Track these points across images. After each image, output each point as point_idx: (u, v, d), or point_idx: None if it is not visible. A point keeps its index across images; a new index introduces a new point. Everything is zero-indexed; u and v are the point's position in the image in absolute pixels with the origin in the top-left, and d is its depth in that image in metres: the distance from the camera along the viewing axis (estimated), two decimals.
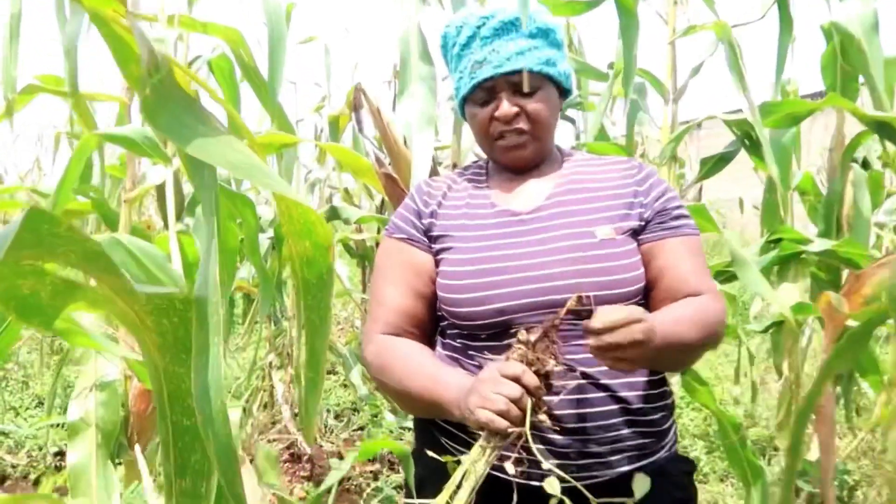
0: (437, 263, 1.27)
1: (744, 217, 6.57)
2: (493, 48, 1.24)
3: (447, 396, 1.09)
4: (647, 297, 1.22)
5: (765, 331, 2.06)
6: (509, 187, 1.31)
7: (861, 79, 2.30)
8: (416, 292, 1.26)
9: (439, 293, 1.24)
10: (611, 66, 2.39)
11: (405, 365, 1.19)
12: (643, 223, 1.23)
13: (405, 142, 1.75)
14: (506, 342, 1.15)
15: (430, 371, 1.16)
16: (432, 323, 1.30)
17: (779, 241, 2.15)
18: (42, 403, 4.01)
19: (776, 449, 3.44)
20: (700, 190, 2.42)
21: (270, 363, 3.28)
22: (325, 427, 3.69)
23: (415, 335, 1.26)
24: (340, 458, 3.28)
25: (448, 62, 1.36)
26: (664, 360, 1.14)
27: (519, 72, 1.23)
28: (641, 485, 1.11)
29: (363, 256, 4.49)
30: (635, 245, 1.21)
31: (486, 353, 1.18)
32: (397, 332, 1.25)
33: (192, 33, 1.93)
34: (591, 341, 1.00)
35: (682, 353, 1.16)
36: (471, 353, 1.20)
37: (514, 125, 1.25)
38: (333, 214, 2.19)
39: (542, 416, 1.00)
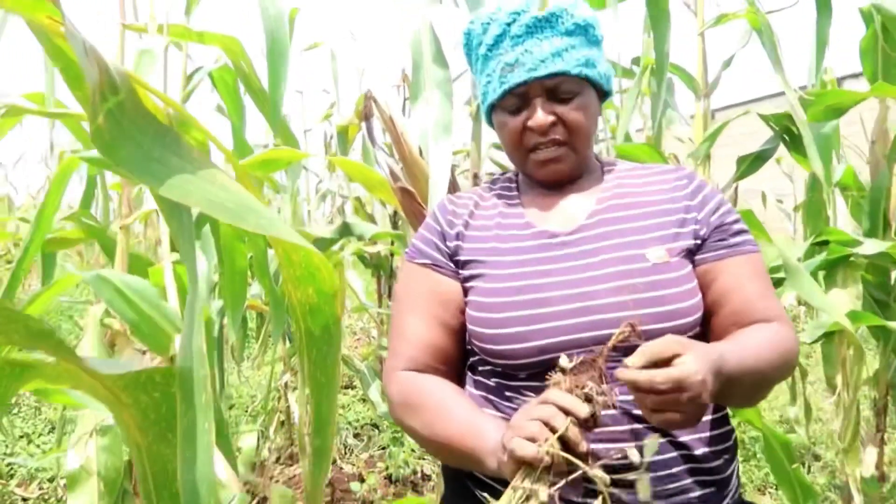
0: (465, 292, 1.12)
1: (767, 211, 6.38)
2: (525, 48, 1.09)
3: (484, 447, 0.95)
4: (706, 324, 1.08)
5: (815, 342, 1.91)
6: (545, 204, 1.16)
7: None
8: (442, 324, 1.12)
9: (470, 327, 1.09)
10: (636, 61, 2.25)
11: (436, 407, 1.05)
12: (699, 241, 1.08)
13: (420, 152, 1.61)
14: (548, 384, 1.01)
15: (465, 416, 1.01)
16: (461, 358, 1.15)
17: (825, 243, 2.00)
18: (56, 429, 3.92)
19: (817, 458, 3.28)
20: (735, 191, 2.28)
21: (286, 383, 3.15)
22: (345, 447, 3.56)
23: (442, 372, 1.12)
24: (361, 480, 3.15)
25: (472, 64, 1.21)
26: (735, 393, 1.00)
27: (556, 75, 1.08)
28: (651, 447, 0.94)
29: (378, 266, 4.36)
30: (691, 267, 1.07)
31: (525, 394, 1.04)
32: (423, 368, 1.11)
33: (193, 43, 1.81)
34: (624, 375, 0.85)
35: (756, 386, 1.02)
36: (508, 394, 1.06)
37: (549, 136, 1.10)
38: (346, 231, 2.06)
39: (582, 449, 0.82)
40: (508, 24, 1.10)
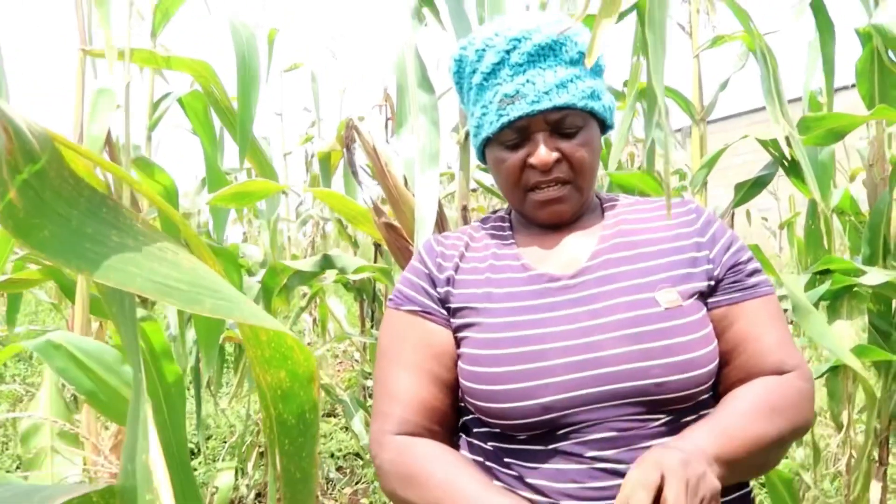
0: (457, 342, 1.01)
1: (752, 229, 6.34)
2: (527, 78, 0.99)
3: None
4: (720, 371, 0.98)
5: (820, 377, 1.83)
6: (543, 244, 1.06)
7: None
8: (436, 379, 1.00)
9: (463, 382, 0.98)
10: (626, 83, 2.17)
11: (442, 482, 0.90)
12: (712, 282, 0.99)
13: (406, 182, 1.51)
14: (552, 446, 0.91)
15: (476, 494, 0.86)
16: (455, 415, 1.04)
17: (826, 271, 1.92)
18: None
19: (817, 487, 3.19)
20: (732, 217, 2.20)
21: None
22: (327, 481, 3.42)
23: (438, 434, 1.00)
24: None
25: (464, 93, 1.10)
26: (744, 469, 0.89)
27: (560, 108, 0.99)
28: None
29: (361, 290, 4.25)
30: (705, 311, 0.97)
31: (525, 459, 0.93)
32: (416, 430, 0.98)
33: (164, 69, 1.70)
34: None
35: (764, 453, 0.90)
36: (506, 459, 0.95)
37: (552, 174, 1.00)
38: (327, 264, 1.95)
39: None
40: (508, 52, 1.00)
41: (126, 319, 0.49)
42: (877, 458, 2.19)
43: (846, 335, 1.81)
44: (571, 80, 0.99)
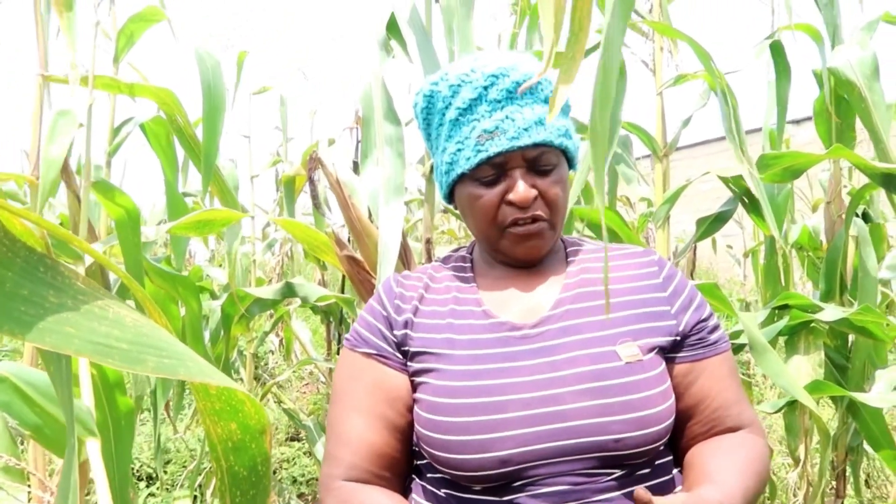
0: (414, 387, 1.00)
1: (717, 257, 6.44)
2: (506, 114, 0.98)
3: None
4: (683, 425, 0.99)
5: (778, 411, 1.85)
6: (505, 289, 1.04)
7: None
8: (388, 425, 0.98)
9: (420, 429, 0.96)
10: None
11: None
12: (677, 338, 0.99)
13: (370, 215, 1.51)
14: (506, 498, 0.90)
15: None
16: (407, 461, 1.02)
17: (785, 307, 1.96)
18: None
19: None
20: (694, 252, 2.24)
21: None
22: None
23: (388, 480, 0.99)
24: None
25: (432, 128, 1.08)
26: None
27: (538, 145, 0.99)
28: None
29: (327, 312, 4.21)
30: (664, 366, 0.97)
31: None
32: (364, 477, 0.97)
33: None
34: None
35: None
36: None
37: (529, 211, 1.00)
38: (289, 292, 1.93)
39: None
40: (486, 88, 0.99)
41: (62, 380, 0.47)
42: (834, 490, 2.23)
43: (803, 370, 1.83)
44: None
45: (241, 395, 0.57)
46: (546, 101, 1.01)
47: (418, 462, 1.02)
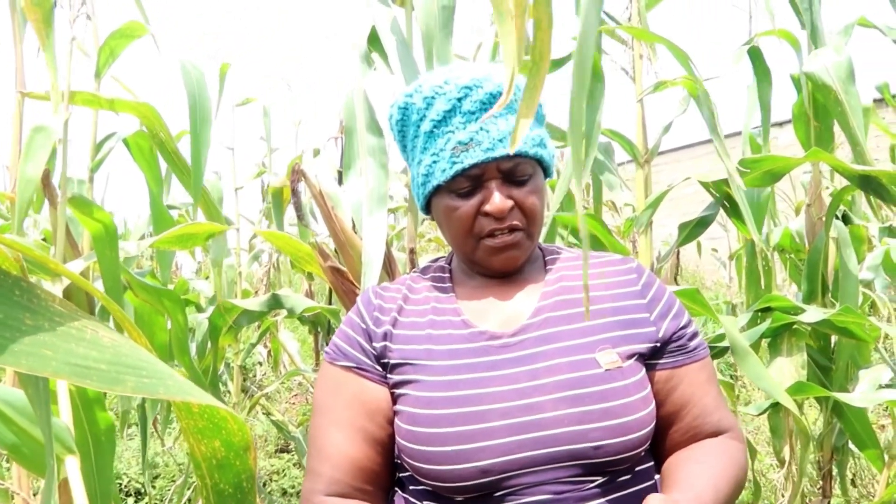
0: (394, 399, 1.00)
1: (702, 260, 6.49)
2: (480, 126, 0.98)
3: None
4: (665, 431, 1.00)
5: (762, 412, 1.87)
6: (484, 298, 1.05)
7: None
8: (368, 438, 0.98)
9: (400, 441, 0.96)
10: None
11: None
12: (657, 345, 1.00)
13: (354, 226, 1.51)
14: None
15: None
16: (390, 474, 1.02)
17: (768, 309, 1.98)
18: None
19: None
20: (678, 256, 2.27)
21: None
22: None
23: (369, 494, 0.99)
24: None
25: (408, 140, 1.07)
26: None
27: (513, 156, 0.99)
28: None
29: (315, 322, 4.20)
30: (644, 373, 0.98)
31: None
32: (345, 491, 0.97)
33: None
34: None
35: None
36: None
37: (506, 221, 1.00)
38: (276, 303, 1.93)
39: None
40: (459, 100, 0.99)
41: (40, 402, 0.47)
42: (821, 490, 2.25)
43: (786, 372, 1.85)
44: None
45: (223, 413, 0.57)
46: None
47: (400, 474, 1.02)
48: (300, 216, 1.46)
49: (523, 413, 0.91)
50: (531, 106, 0.44)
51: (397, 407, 0.98)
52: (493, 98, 1.00)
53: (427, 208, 1.10)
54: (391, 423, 0.99)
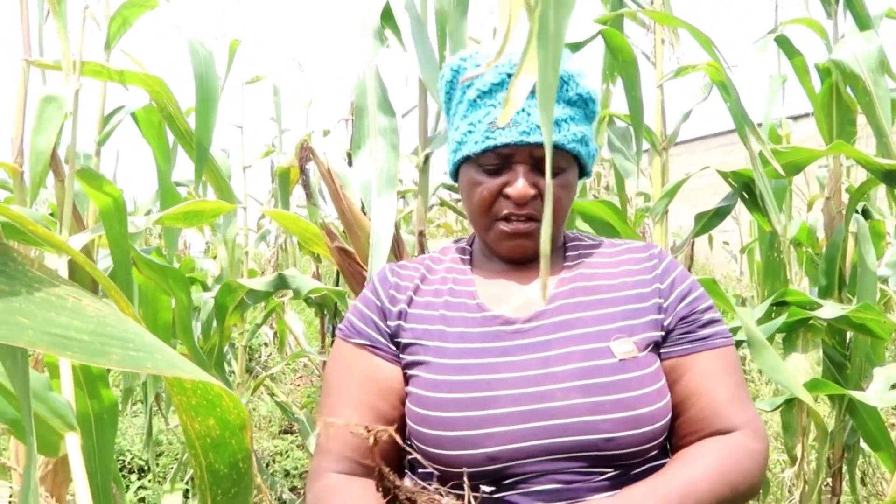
0: (406, 380, 0.98)
1: (713, 253, 6.43)
2: (523, 107, 0.95)
3: None
4: (670, 424, 0.95)
5: (775, 409, 1.83)
6: (501, 283, 1.02)
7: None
8: (379, 416, 0.96)
9: (409, 423, 0.95)
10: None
11: None
12: (665, 333, 0.97)
13: (363, 207, 1.48)
14: (496, 496, 0.87)
15: None
16: (399, 454, 0.99)
17: (783, 303, 1.93)
18: None
19: None
20: (692, 247, 2.22)
21: None
22: (280, 502, 3.34)
23: None
24: None
25: (452, 104, 1.05)
26: None
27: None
28: None
29: (321, 305, 4.18)
30: (659, 363, 0.95)
31: None
32: (354, 469, 0.95)
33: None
34: None
35: None
36: None
37: (525, 209, 0.97)
38: (282, 283, 1.91)
39: None
40: (509, 76, 0.96)
41: (18, 375, 0.44)
42: (830, 488, 2.21)
43: (801, 368, 1.81)
44: (565, 121, 0.97)
45: (217, 390, 0.54)
46: (568, 102, 0.98)
47: (409, 456, 0.99)
48: (308, 195, 1.43)
49: (533, 401, 0.89)
50: (523, 72, 0.40)
51: (408, 388, 0.96)
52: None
53: (456, 175, 1.08)
54: (403, 402, 0.97)
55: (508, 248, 1.01)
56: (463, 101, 1.01)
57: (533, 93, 0.95)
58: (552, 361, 0.91)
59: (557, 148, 0.97)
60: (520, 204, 0.97)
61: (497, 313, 0.98)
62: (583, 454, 0.87)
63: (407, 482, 0.73)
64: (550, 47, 0.33)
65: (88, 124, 1.68)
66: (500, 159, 0.98)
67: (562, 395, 0.88)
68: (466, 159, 1.01)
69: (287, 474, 3.83)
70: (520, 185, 0.96)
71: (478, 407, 0.89)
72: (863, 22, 1.96)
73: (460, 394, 0.90)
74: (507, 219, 0.99)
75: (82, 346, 0.41)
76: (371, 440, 0.67)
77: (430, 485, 0.82)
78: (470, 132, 0.99)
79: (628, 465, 0.89)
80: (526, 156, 0.97)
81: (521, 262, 1.04)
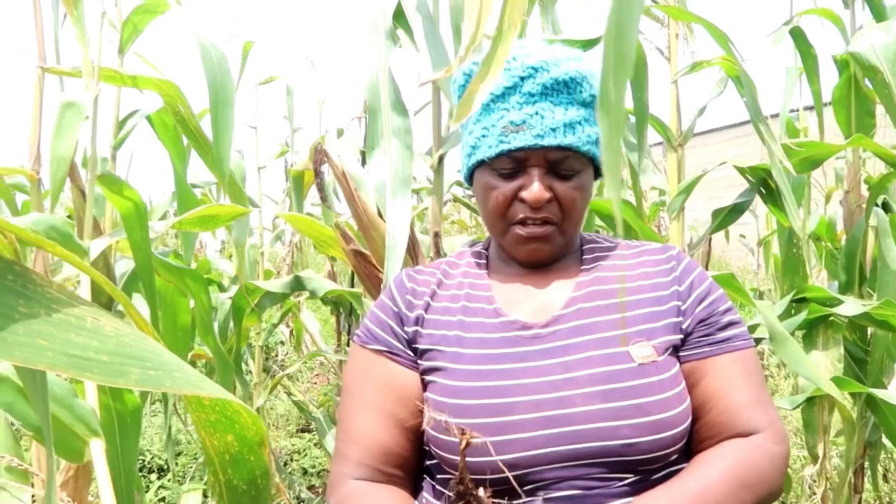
0: (424, 386, 0.97)
1: (730, 246, 6.38)
2: (536, 110, 0.95)
3: None
4: (690, 428, 0.94)
5: (796, 407, 1.81)
6: (517, 286, 1.02)
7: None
8: (399, 423, 0.96)
9: (428, 429, 0.94)
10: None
11: None
12: (685, 335, 0.96)
13: (378, 210, 1.48)
14: (517, 502, 0.87)
15: None
16: (418, 459, 1.00)
17: (803, 300, 1.91)
18: None
19: None
20: (709, 243, 2.20)
21: None
22: (298, 501, 3.35)
23: (399, 479, 0.97)
24: None
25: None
26: None
27: (562, 148, 0.95)
28: None
29: (337, 303, 4.19)
30: (678, 367, 0.94)
31: None
32: (374, 475, 0.95)
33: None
34: None
35: None
36: None
37: (541, 213, 0.97)
38: (298, 285, 1.91)
39: None
40: (522, 79, 0.95)
41: (38, 397, 0.44)
42: (853, 485, 2.18)
43: (822, 365, 1.79)
44: (580, 122, 0.96)
45: (236, 406, 0.54)
46: (583, 103, 0.97)
47: (428, 462, 0.99)
48: (323, 197, 1.43)
49: (553, 407, 0.88)
50: (487, 76, 0.39)
51: (427, 394, 0.96)
52: (558, 84, 0.96)
53: (470, 180, 1.07)
54: (422, 410, 0.96)
55: (525, 252, 1.01)
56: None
57: (546, 94, 0.95)
58: (572, 366, 0.91)
59: (572, 150, 0.96)
60: (535, 207, 0.96)
61: (514, 318, 0.97)
62: (603, 460, 0.86)
63: (481, 492, 0.72)
64: (612, 113, 0.33)
65: (104, 129, 1.69)
66: (514, 163, 0.97)
67: (582, 400, 0.88)
68: (481, 163, 1.01)
69: (305, 472, 3.85)
70: (535, 189, 0.95)
71: (497, 413, 0.88)
72: (879, 13, 1.92)
73: (479, 400, 0.90)
74: (522, 223, 0.98)
75: (101, 366, 0.41)
76: (463, 443, 0.66)
77: (504, 499, 0.82)
78: (484, 136, 0.99)
79: (649, 470, 0.88)
80: (540, 159, 0.96)
81: (537, 265, 1.03)
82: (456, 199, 3.13)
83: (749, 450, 0.89)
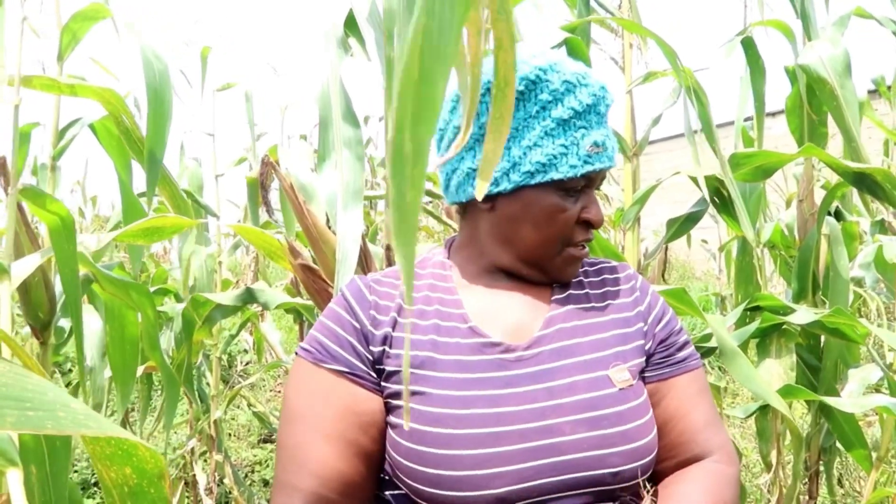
0: (388, 410, 0.89)
1: (692, 251, 6.44)
2: (607, 132, 0.93)
3: None
4: None
5: (749, 416, 1.82)
6: (490, 303, 0.96)
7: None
8: (359, 451, 0.87)
9: (398, 459, 0.86)
10: None
11: None
12: (647, 357, 0.95)
13: (328, 221, 1.45)
14: None
15: None
16: (372, 486, 0.92)
17: (757, 308, 1.92)
18: None
19: None
20: (665, 252, 2.22)
21: (192, 449, 2.89)
22: None
23: None
24: None
25: (530, 111, 0.91)
26: None
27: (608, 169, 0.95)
28: None
29: (298, 312, 4.13)
30: (645, 390, 0.93)
31: None
32: None
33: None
34: None
35: None
36: None
37: (590, 234, 0.96)
38: (250, 298, 1.87)
39: None
40: (598, 98, 0.92)
41: None
42: (807, 491, 2.20)
43: (775, 373, 1.80)
44: (609, 137, 0.95)
45: (132, 441, 0.51)
46: (604, 116, 0.97)
47: (388, 492, 0.92)
48: (269, 211, 1.39)
49: (541, 436, 0.84)
50: (499, 139, 0.37)
51: (393, 419, 0.89)
52: (608, 108, 0.95)
53: (497, 195, 0.94)
54: (383, 436, 0.90)
55: (571, 272, 0.98)
56: (547, 117, 0.90)
57: (605, 116, 0.93)
58: (557, 392, 0.87)
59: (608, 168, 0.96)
60: (595, 228, 0.96)
61: (496, 340, 0.91)
62: (589, 490, 0.83)
63: None
64: (407, 168, 0.28)
65: (45, 138, 1.64)
66: (586, 183, 0.94)
67: (569, 428, 0.84)
68: (547, 182, 0.92)
69: (266, 483, 3.79)
70: (599, 211, 0.94)
71: (485, 444, 0.82)
72: (808, 30, 1.96)
73: (466, 430, 0.83)
74: (579, 244, 0.96)
75: None
76: None
77: None
78: (564, 154, 0.90)
79: (624, 498, 0.87)
80: (599, 181, 0.96)
81: (511, 279, 1.00)
82: (428, 194, 3.11)
83: (713, 477, 0.89)
